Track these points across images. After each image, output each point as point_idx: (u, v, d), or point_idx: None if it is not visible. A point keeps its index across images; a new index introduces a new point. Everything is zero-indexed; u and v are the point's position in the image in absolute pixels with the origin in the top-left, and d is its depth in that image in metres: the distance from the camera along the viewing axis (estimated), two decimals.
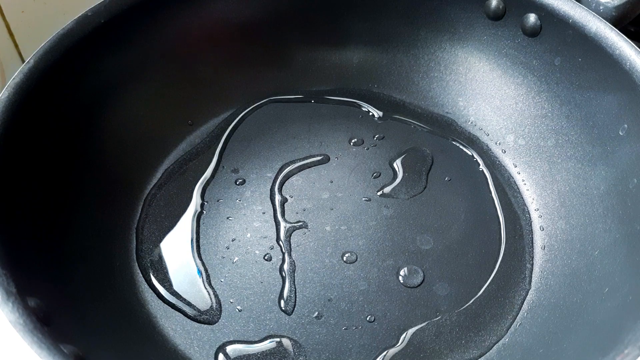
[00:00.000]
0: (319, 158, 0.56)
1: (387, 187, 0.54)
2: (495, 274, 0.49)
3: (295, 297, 0.47)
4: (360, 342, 0.45)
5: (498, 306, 0.48)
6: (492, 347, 0.46)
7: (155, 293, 0.47)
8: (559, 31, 0.50)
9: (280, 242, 0.50)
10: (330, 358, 0.45)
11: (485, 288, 0.48)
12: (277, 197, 0.54)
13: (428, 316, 0.47)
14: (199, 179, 0.54)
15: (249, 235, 0.51)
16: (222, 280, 0.48)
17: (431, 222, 0.52)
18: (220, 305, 0.47)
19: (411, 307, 0.47)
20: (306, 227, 0.52)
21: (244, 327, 0.46)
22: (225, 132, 0.58)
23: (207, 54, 0.58)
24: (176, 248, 0.50)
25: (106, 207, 0.50)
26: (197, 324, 0.46)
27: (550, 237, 0.51)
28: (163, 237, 0.51)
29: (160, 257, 0.49)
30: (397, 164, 0.56)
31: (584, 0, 0.51)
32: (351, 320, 0.46)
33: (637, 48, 0.45)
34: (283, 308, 0.47)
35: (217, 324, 0.46)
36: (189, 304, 0.47)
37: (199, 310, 0.47)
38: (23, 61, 0.52)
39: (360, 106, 0.60)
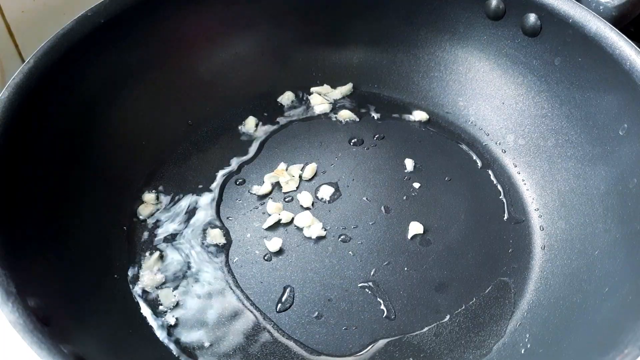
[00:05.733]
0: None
1: (387, 187, 0.54)
2: (495, 274, 0.49)
3: (295, 297, 0.48)
4: (360, 342, 0.45)
5: (497, 306, 0.48)
6: (492, 347, 0.46)
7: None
8: (559, 31, 0.50)
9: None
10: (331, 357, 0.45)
11: (485, 288, 0.48)
12: (277, 197, 0.54)
13: (428, 316, 0.47)
14: (199, 179, 0.54)
15: (249, 235, 0.51)
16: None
17: (431, 222, 0.52)
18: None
19: (411, 307, 0.47)
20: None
21: (244, 327, 0.46)
22: (224, 132, 0.58)
23: (207, 54, 0.58)
24: None
25: (106, 207, 0.50)
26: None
27: (550, 237, 0.51)
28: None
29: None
30: (398, 164, 0.56)
31: (584, 0, 0.51)
32: (351, 320, 0.46)
33: (637, 48, 0.45)
34: (283, 308, 0.47)
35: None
36: None
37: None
38: (23, 61, 0.52)
39: (360, 106, 0.60)
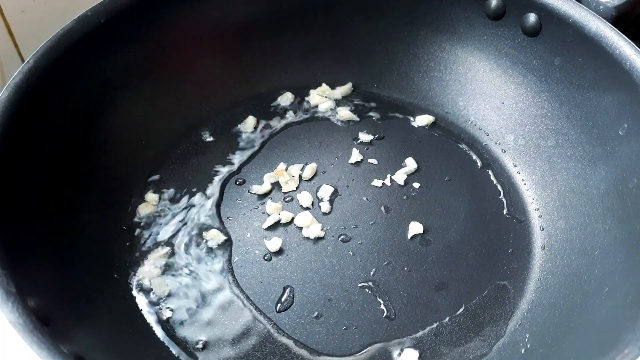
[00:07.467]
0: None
1: (388, 187, 0.54)
2: (494, 274, 0.49)
3: (295, 297, 0.48)
4: (360, 342, 0.45)
5: (497, 306, 0.48)
6: (492, 347, 0.46)
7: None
8: (559, 31, 0.50)
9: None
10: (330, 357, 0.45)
11: (485, 288, 0.48)
12: (277, 197, 0.54)
13: (428, 316, 0.47)
14: (199, 179, 0.54)
15: (249, 235, 0.51)
16: None
17: (431, 222, 0.52)
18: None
19: (411, 307, 0.47)
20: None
21: (244, 327, 0.46)
22: (224, 132, 0.58)
23: (207, 54, 0.58)
24: None
25: (106, 207, 0.50)
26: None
27: (550, 237, 0.51)
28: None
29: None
30: (398, 164, 0.56)
31: (584, 0, 0.51)
32: (351, 320, 0.46)
33: (637, 48, 0.45)
34: (283, 308, 0.47)
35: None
36: None
37: None
38: (23, 61, 0.52)
39: (360, 106, 0.60)
